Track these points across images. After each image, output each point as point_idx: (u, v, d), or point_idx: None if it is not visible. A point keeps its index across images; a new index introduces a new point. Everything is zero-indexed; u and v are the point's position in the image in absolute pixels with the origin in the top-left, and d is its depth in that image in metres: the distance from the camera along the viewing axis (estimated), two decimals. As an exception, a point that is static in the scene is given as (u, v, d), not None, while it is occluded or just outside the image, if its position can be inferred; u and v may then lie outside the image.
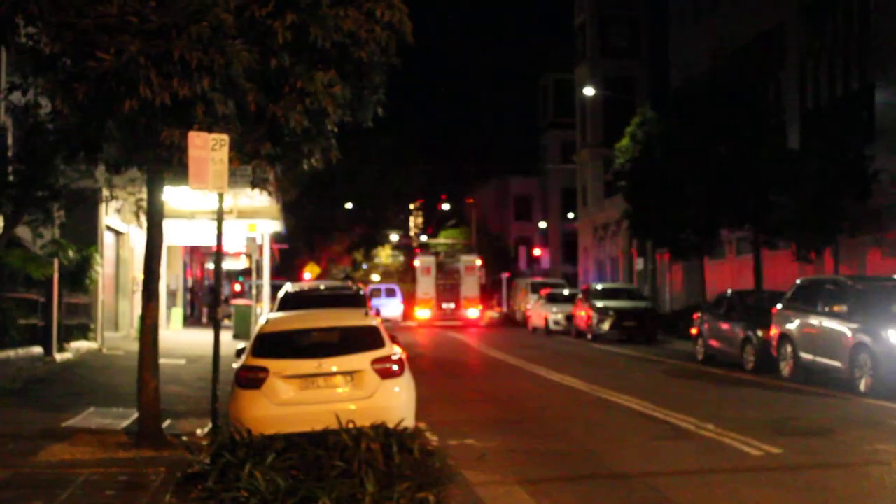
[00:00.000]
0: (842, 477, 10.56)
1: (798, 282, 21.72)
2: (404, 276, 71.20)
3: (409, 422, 11.23)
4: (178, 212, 24.86)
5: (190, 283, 45.98)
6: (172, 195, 21.02)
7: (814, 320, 19.63)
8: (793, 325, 20.30)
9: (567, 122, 71.01)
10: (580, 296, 38.88)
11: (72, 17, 10.25)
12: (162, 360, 12.67)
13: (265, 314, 20.68)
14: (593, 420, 14.98)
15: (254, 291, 31.45)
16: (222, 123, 10.92)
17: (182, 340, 29.22)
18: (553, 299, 42.53)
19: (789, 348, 20.30)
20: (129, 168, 12.53)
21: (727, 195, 30.48)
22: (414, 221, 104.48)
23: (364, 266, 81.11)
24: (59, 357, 20.44)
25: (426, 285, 50.74)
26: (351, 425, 10.05)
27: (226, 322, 33.66)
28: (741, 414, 15.24)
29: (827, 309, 19.35)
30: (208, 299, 47.41)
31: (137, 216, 25.61)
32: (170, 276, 36.22)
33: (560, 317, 40.64)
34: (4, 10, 10.61)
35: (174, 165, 11.32)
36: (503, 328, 48.62)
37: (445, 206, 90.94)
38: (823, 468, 11.07)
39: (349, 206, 74.61)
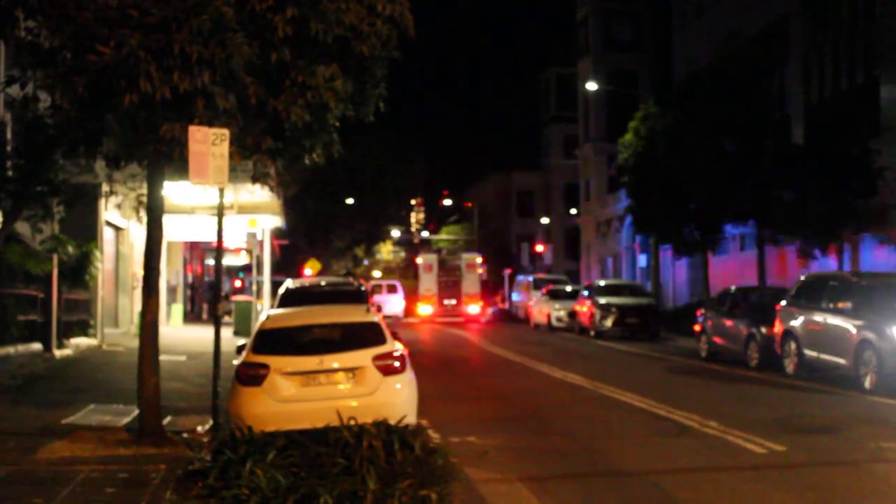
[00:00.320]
0: (846, 475, 10.51)
1: (802, 278, 21.63)
2: (406, 273, 71.21)
3: (411, 419, 11.17)
4: (178, 207, 24.81)
5: (190, 280, 45.95)
6: (173, 190, 20.98)
7: (818, 317, 19.54)
8: (797, 322, 20.21)
9: (569, 116, 70.96)
10: (583, 292, 38.80)
11: (71, 11, 10.21)
12: (162, 357, 12.61)
13: (266, 310, 20.61)
14: (596, 417, 14.91)
15: (254, 287, 31.41)
16: (223, 118, 10.86)
17: (182, 337, 29.16)
18: (555, 296, 42.44)
19: (793, 345, 20.22)
20: (129, 163, 12.48)
21: (730, 191, 30.42)
22: (415, 217, 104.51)
23: (365, 262, 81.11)
24: (58, 353, 20.38)
25: (428, 282, 51.65)
26: (352, 422, 10.00)
27: (226, 318, 33.58)
28: (745, 411, 15.16)
29: (831, 305, 19.25)
30: (208, 295, 47.38)
31: (137, 212, 25.54)
32: (170, 272, 36.17)
33: (562, 313, 40.54)
34: (4, 2, 10.56)
35: (174, 160, 11.26)
36: (505, 325, 48.62)
37: (447, 202, 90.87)
38: (828, 466, 11.00)
39: (350, 201, 74.56)
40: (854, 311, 18.38)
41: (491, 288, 63.35)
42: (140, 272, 14.56)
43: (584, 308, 36.86)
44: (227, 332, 24.04)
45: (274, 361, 11.23)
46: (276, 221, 31.51)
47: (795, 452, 11.62)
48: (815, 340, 19.45)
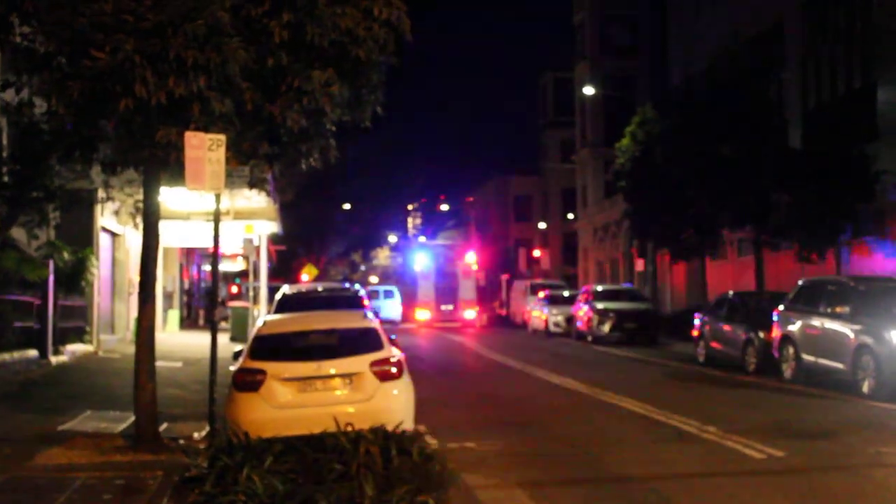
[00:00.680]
0: (845, 480, 10.46)
1: (800, 283, 21.58)
2: (403, 278, 71.11)
3: (409, 424, 11.15)
4: (174, 213, 24.72)
5: (187, 286, 45.85)
6: (169, 196, 20.94)
7: (816, 322, 19.51)
8: (795, 327, 20.18)
9: (567, 120, 70.94)
10: (580, 297, 38.76)
11: (67, 16, 10.19)
12: (158, 363, 12.57)
13: (262, 316, 20.57)
14: (594, 423, 14.86)
15: (251, 293, 31.32)
16: (219, 123, 10.83)
17: (179, 343, 29.09)
18: (553, 301, 42.42)
19: (791, 350, 20.19)
20: (126, 169, 12.44)
21: (728, 195, 30.37)
22: (412, 222, 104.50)
23: (362, 267, 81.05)
24: (54, 360, 20.31)
25: (426, 288, 52.78)
26: (349, 428, 9.97)
27: (223, 324, 33.52)
28: (743, 416, 15.13)
29: (829, 310, 19.23)
30: (205, 301, 47.28)
31: (134, 217, 25.49)
32: (166, 278, 36.07)
33: (560, 318, 40.52)
34: (-1, 8, 10.52)
35: (171, 165, 11.24)
36: (502, 330, 48.66)
37: (444, 207, 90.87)
38: (826, 471, 10.97)
39: (347, 206, 74.50)
40: (852, 315, 18.36)
41: (488, 293, 63.41)
42: (136, 278, 14.54)
43: (581, 313, 36.83)
44: (223, 338, 23.99)
45: (271, 367, 11.19)
46: (273, 227, 31.41)
47: (794, 457, 11.58)
48: (813, 345, 19.42)
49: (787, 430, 13.72)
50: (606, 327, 34.77)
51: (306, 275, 48.96)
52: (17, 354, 18.36)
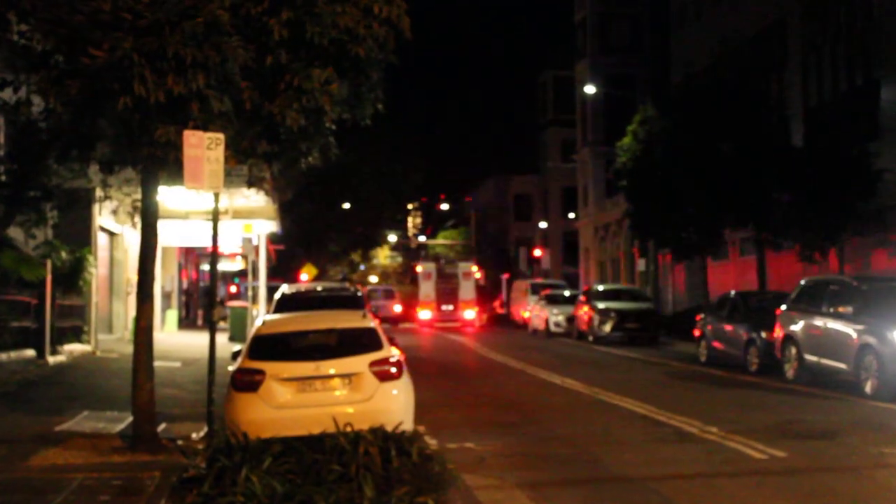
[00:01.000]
0: (847, 480, 10.41)
1: (802, 282, 21.51)
2: (402, 278, 71.17)
3: (408, 425, 11.10)
4: (172, 212, 24.67)
5: (185, 285, 45.80)
6: (167, 195, 20.87)
7: (818, 321, 19.44)
8: (797, 327, 20.12)
9: (567, 119, 70.91)
10: (581, 297, 38.70)
11: (65, 14, 10.14)
12: (157, 363, 12.52)
13: (261, 316, 20.51)
14: (595, 423, 14.80)
15: (250, 293, 31.27)
16: (218, 121, 10.78)
17: (177, 343, 29.04)
18: (554, 300, 42.37)
19: (794, 350, 20.12)
20: (123, 167, 12.41)
21: (729, 194, 30.34)
22: (412, 222, 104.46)
23: (362, 267, 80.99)
24: (52, 360, 20.26)
25: (427, 289, 53.26)
26: (349, 428, 9.93)
27: (221, 324, 33.46)
28: (745, 416, 15.07)
29: (832, 310, 19.16)
30: (204, 301, 47.22)
31: (132, 217, 25.43)
32: (164, 278, 36.02)
33: (561, 318, 40.45)
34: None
35: (169, 164, 11.18)
36: (503, 330, 48.70)
37: (444, 206, 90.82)
38: (829, 472, 10.91)
39: (347, 206, 74.46)
40: (855, 315, 18.29)
41: (488, 293, 63.46)
42: (134, 278, 14.49)
43: (582, 313, 36.77)
44: (222, 338, 23.92)
45: (270, 367, 11.13)
46: (272, 226, 31.37)
47: (796, 458, 11.52)
48: (816, 345, 19.35)
49: (789, 430, 13.65)
50: (608, 327, 34.70)
51: (305, 274, 48.92)
52: (14, 354, 18.32)
